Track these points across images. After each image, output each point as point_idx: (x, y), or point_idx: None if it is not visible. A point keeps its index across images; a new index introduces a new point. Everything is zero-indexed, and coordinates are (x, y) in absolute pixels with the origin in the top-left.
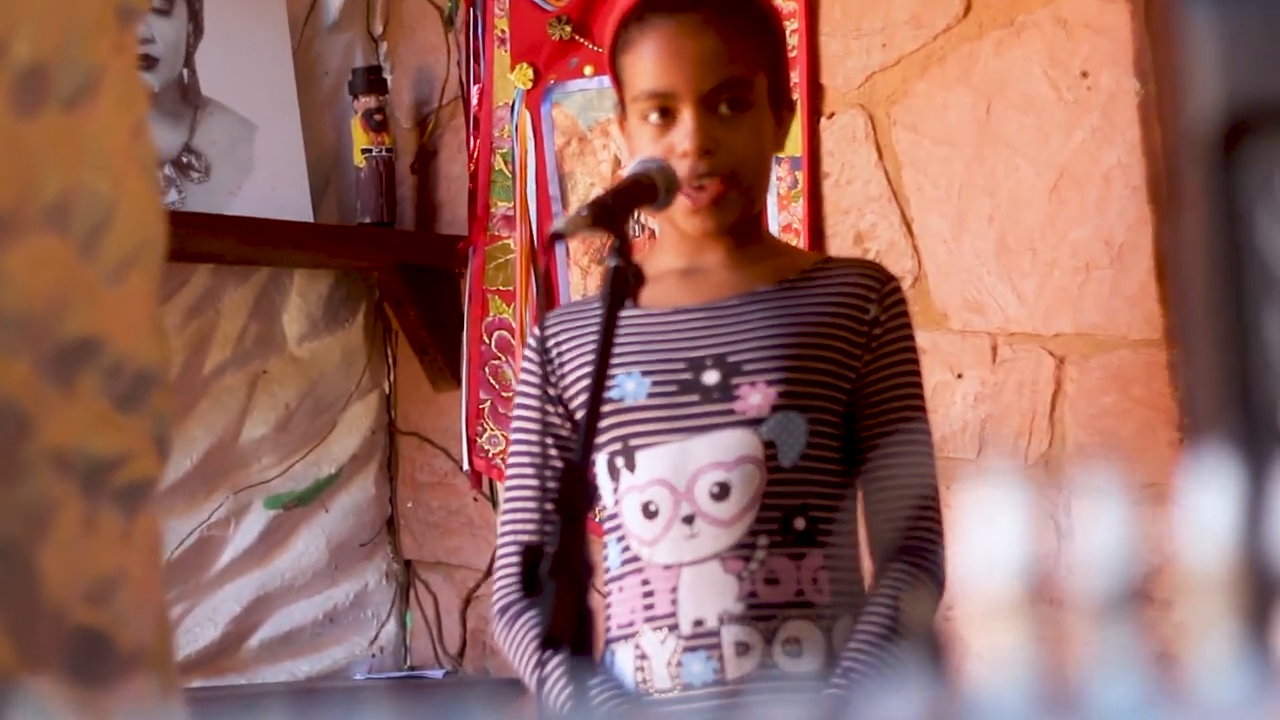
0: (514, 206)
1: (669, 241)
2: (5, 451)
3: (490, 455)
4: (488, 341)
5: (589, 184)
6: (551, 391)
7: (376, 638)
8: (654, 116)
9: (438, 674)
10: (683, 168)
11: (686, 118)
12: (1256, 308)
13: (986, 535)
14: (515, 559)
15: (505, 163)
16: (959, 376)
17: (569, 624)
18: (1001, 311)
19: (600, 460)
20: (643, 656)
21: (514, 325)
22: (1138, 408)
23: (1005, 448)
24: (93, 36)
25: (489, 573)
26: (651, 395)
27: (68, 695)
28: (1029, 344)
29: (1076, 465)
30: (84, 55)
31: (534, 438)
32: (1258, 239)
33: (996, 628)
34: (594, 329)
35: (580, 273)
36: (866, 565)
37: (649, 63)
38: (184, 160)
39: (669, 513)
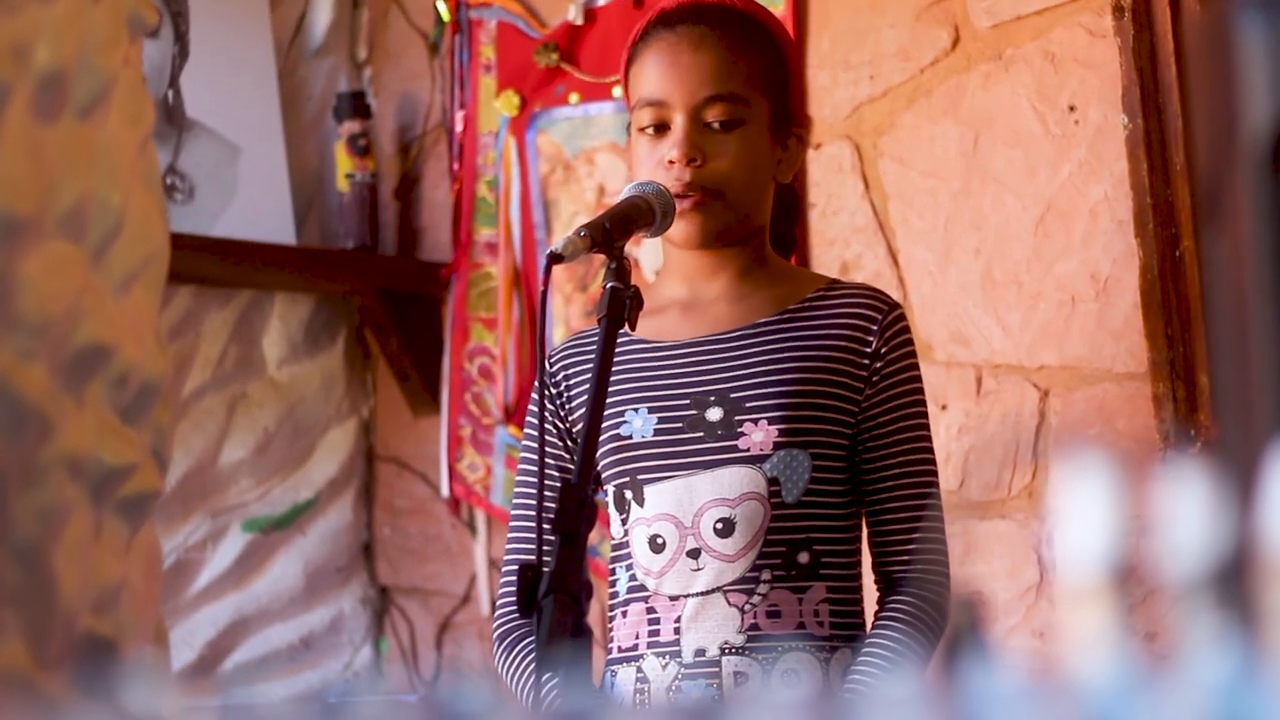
0: (498, 233)
1: (671, 270)
2: (26, 454)
3: (469, 482)
4: (469, 368)
5: (573, 212)
6: (560, 426)
7: (351, 663)
8: (649, 128)
9: (412, 700)
10: (670, 177)
11: (677, 127)
12: None
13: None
14: (515, 586)
15: (489, 190)
16: (943, 408)
17: (565, 643)
18: (986, 344)
19: (609, 492)
20: (643, 680)
21: (495, 352)
22: (1121, 440)
23: (988, 479)
24: (107, 47)
25: (466, 599)
26: (658, 432)
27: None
28: (1013, 376)
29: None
30: (100, 64)
31: (538, 468)
32: None
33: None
34: None
35: (564, 299)
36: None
37: (648, 72)
38: (168, 182)
39: (675, 546)
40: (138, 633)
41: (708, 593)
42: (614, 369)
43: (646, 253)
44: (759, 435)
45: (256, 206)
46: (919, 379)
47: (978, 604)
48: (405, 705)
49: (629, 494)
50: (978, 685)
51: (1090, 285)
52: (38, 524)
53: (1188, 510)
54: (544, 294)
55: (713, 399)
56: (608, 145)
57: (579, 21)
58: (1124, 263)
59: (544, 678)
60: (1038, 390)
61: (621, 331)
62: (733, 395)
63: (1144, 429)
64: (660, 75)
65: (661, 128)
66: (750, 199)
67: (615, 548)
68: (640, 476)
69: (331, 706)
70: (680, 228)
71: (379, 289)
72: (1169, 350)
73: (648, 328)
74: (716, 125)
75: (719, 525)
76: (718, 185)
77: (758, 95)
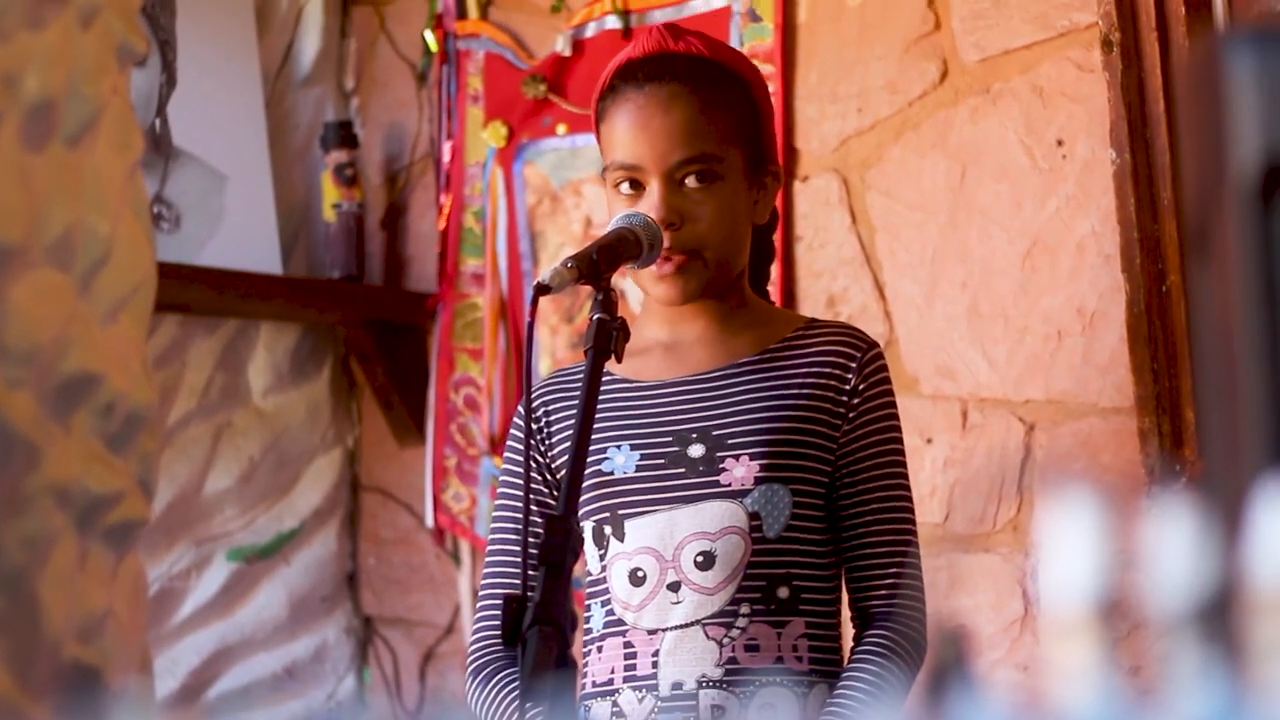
0: (484, 264)
1: (652, 312)
2: (12, 482)
3: (454, 512)
4: (454, 398)
5: (560, 243)
6: (540, 461)
7: (334, 693)
8: (625, 187)
9: None
10: None
11: (653, 191)
12: None
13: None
14: (493, 618)
15: (476, 220)
16: (929, 441)
17: (551, 674)
18: (972, 377)
19: (588, 528)
20: (619, 714)
21: (481, 383)
22: (1106, 475)
23: (973, 513)
24: (96, 75)
25: (449, 629)
26: (640, 468)
27: None
28: (999, 410)
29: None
30: (89, 93)
31: (517, 503)
32: None
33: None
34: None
35: (550, 331)
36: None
37: (619, 134)
38: (155, 210)
39: (655, 579)
40: (123, 661)
41: (686, 625)
42: (597, 406)
43: (633, 284)
44: (740, 470)
45: (243, 236)
46: (896, 417)
47: (963, 636)
48: None
49: (609, 529)
50: (964, 716)
51: (1076, 319)
52: (24, 551)
53: (1174, 544)
54: (530, 325)
55: (695, 436)
56: (595, 177)
57: (567, 53)
58: (1110, 297)
59: (528, 709)
60: (1023, 424)
61: (604, 370)
62: (715, 432)
63: (1129, 464)
64: (632, 140)
65: (636, 185)
66: (729, 251)
67: (591, 584)
68: (621, 511)
69: None
70: (662, 290)
71: (365, 319)
72: (1155, 385)
73: (629, 368)
74: (692, 183)
75: (699, 558)
76: (697, 246)
77: (731, 149)
